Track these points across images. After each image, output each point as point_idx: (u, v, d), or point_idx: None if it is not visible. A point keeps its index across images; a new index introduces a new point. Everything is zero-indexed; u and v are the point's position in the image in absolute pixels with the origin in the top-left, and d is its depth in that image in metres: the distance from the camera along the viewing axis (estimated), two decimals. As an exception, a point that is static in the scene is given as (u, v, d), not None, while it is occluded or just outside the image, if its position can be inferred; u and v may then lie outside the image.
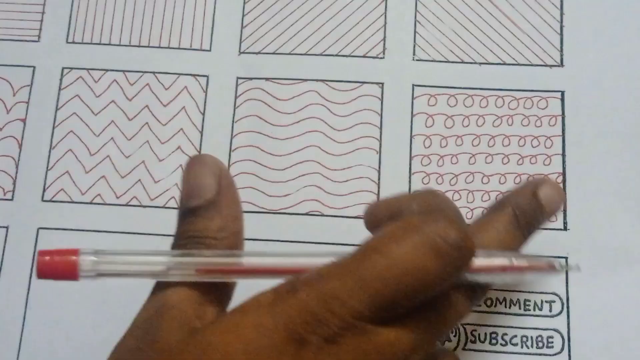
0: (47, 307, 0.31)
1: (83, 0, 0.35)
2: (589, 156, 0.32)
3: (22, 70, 0.34)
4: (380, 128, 0.33)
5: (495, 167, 0.33)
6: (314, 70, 0.34)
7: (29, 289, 0.31)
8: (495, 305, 0.31)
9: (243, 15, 0.35)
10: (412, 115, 0.33)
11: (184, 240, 0.22)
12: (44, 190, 0.33)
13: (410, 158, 0.33)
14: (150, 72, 0.34)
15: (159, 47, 0.34)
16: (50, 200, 0.33)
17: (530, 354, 0.30)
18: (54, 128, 0.33)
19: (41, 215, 0.32)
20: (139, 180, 0.33)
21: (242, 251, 0.23)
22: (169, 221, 0.31)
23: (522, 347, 0.30)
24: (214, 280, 0.22)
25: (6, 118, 0.34)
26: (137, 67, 0.34)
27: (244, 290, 0.21)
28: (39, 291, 0.31)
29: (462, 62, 0.34)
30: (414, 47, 0.34)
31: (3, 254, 0.32)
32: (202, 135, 0.33)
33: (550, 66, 0.33)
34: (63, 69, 0.34)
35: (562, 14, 0.34)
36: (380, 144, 0.33)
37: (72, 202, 0.32)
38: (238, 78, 0.34)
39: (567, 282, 0.31)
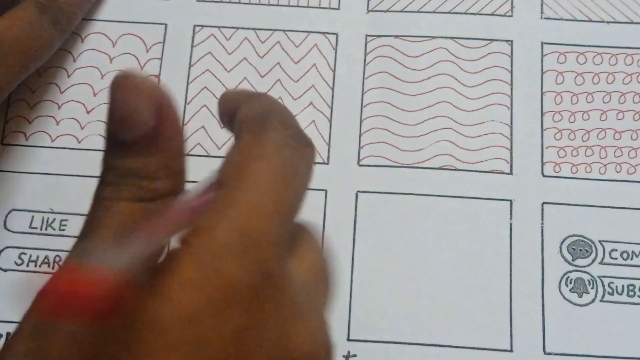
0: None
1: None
2: None
3: (154, 27, 0.35)
4: (511, 85, 0.33)
5: (626, 123, 0.33)
6: (442, 28, 0.34)
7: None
8: (632, 258, 0.31)
9: (370, -26, 0.35)
10: (542, 73, 0.34)
11: (115, 177, 0.19)
12: (181, 144, 0.33)
13: (542, 114, 0.33)
14: (281, 30, 0.35)
15: (288, 5, 0.35)
16: (188, 154, 0.33)
17: (669, 305, 0.30)
18: (188, 84, 0.34)
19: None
20: (274, 135, 0.33)
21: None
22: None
23: (661, 298, 0.30)
24: None
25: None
26: (267, 25, 0.35)
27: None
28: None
29: (590, 20, 0.34)
30: (542, 5, 0.34)
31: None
32: (333, 92, 0.34)
33: (682, 23, 0.33)
34: (195, 26, 0.35)
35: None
36: (512, 100, 0.33)
37: (209, 156, 0.33)
38: (367, 35, 0.34)
39: None
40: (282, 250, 0.18)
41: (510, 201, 0.32)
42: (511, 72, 0.34)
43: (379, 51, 0.34)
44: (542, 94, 0.33)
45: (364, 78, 0.34)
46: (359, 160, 0.33)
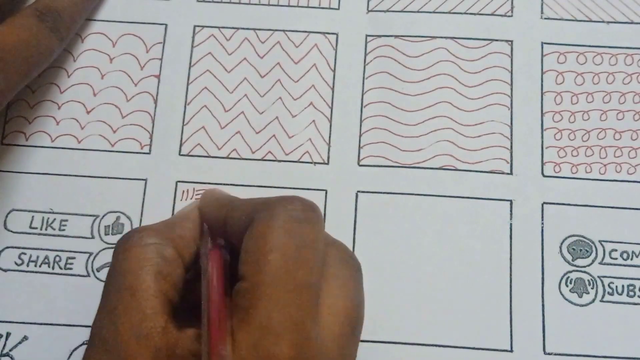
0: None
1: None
2: None
3: (154, 27, 0.35)
4: (511, 85, 0.33)
5: (626, 123, 0.33)
6: (442, 28, 0.34)
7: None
8: (632, 258, 0.31)
9: (369, -26, 0.35)
10: (542, 73, 0.34)
11: None
12: (181, 144, 0.33)
13: (542, 114, 0.33)
14: (281, 30, 0.35)
15: (288, 5, 0.35)
16: (188, 155, 0.33)
17: (670, 305, 0.30)
18: (188, 84, 0.34)
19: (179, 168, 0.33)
20: (274, 135, 0.33)
21: None
22: (304, 175, 0.32)
23: (661, 298, 0.30)
24: None
25: (140, 74, 0.34)
26: (267, 26, 0.35)
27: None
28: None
29: (590, 20, 0.34)
30: (542, 5, 0.34)
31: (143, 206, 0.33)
32: (333, 92, 0.34)
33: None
34: (195, 27, 0.35)
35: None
36: (512, 100, 0.33)
37: (209, 156, 0.33)
38: (367, 35, 0.34)
39: None
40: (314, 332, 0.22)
41: (510, 201, 0.32)
42: (511, 72, 0.34)
43: (379, 51, 0.34)
44: (542, 94, 0.33)
45: (364, 78, 0.34)
46: (359, 160, 0.33)
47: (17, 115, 0.33)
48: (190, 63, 0.34)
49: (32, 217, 0.32)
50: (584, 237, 0.31)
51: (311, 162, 0.33)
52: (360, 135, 0.33)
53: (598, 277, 0.31)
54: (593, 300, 0.31)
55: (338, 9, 0.35)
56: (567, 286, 0.31)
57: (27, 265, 0.32)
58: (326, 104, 0.34)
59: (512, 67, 0.34)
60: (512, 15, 0.34)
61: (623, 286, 0.31)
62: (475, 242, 0.32)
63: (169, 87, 0.34)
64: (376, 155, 0.33)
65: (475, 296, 0.31)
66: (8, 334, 0.31)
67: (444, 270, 0.31)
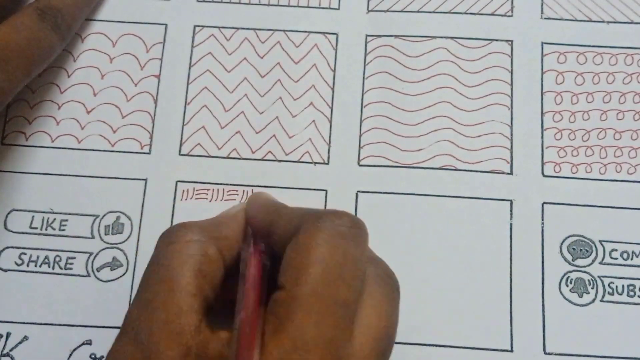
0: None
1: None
2: None
3: (154, 27, 0.35)
4: (511, 85, 0.33)
5: (626, 123, 0.33)
6: (442, 28, 0.34)
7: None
8: (632, 258, 0.31)
9: (370, -26, 0.35)
10: (542, 73, 0.34)
11: None
12: (181, 144, 0.33)
13: (542, 114, 0.33)
14: (281, 30, 0.35)
15: (288, 5, 0.35)
16: (188, 155, 0.33)
17: (669, 305, 0.30)
18: (188, 84, 0.34)
19: (179, 168, 0.33)
20: (274, 135, 0.33)
21: None
22: (304, 175, 0.32)
23: (661, 298, 0.30)
24: None
25: (140, 74, 0.34)
26: (267, 26, 0.35)
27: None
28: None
29: (590, 20, 0.34)
30: (542, 5, 0.34)
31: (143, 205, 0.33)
32: (333, 92, 0.34)
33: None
34: (195, 27, 0.35)
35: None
36: (512, 100, 0.33)
37: (209, 156, 0.33)
38: (367, 35, 0.34)
39: None
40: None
41: (511, 201, 0.32)
42: (511, 72, 0.34)
43: (379, 51, 0.34)
44: (542, 94, 0.33)
45: (364, 78, 0.34)
46: (359, 160, 0.33)
47: (17, 115, 0.33)
48: (190, 63, 0.34)
49: (32, 217, 0.32)
50: (584, 237, 0.31)
51: (311, 162, 0.33)
52: (360, 135, 0.33)
53: (598, 277, 0.31)
54: (593, 300, 0.31)
55: (338, 9, 0.35)
56: (567, 286, 0.31)
57: (27, 265, 0.32)
58: (326, 104, 0.34)
59: (512, 67, 0.34)
60: (512, 15, 0.34)
61: (623, 286, 0.31)
62: (475, 242, 0.32)
63: (169, 87, 0.34)
64: (376, 155, 0.33)
65: (475, 296, 0.31)
66: (8, 334, 0.31)
67: (444, 270, 0.31)
